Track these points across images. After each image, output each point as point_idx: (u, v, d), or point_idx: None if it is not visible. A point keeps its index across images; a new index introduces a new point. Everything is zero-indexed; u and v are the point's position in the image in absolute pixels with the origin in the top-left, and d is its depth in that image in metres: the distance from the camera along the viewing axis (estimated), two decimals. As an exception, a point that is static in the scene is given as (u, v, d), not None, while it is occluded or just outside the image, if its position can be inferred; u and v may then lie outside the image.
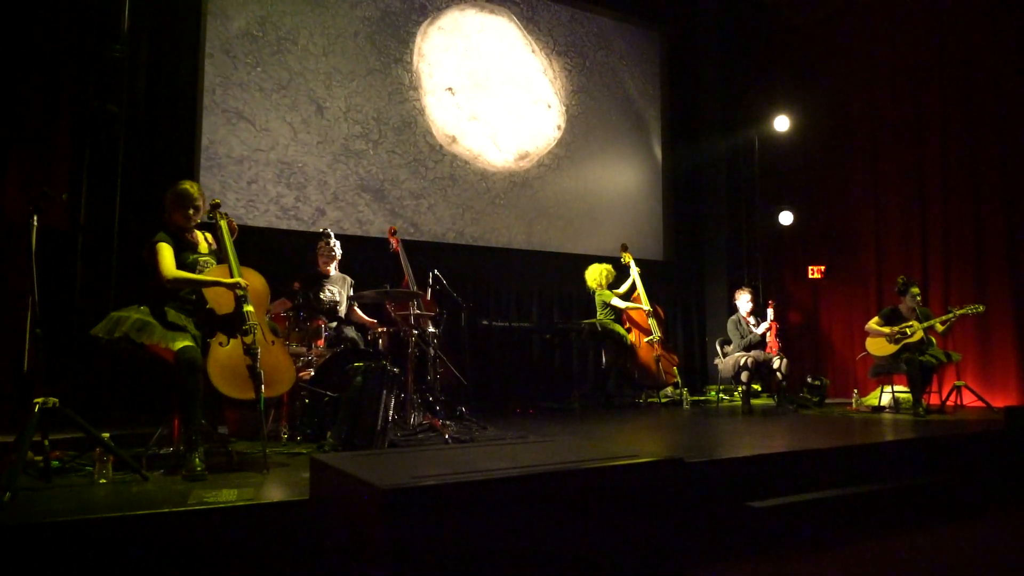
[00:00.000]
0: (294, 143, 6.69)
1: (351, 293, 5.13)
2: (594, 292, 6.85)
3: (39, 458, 2.92)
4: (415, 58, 7.52)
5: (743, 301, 6.78)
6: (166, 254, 3.34)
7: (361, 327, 5.12)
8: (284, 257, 5.78)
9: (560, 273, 7.73)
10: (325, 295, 4.98)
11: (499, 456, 2.61)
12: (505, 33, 8.15)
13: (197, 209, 3.51)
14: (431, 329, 5.05)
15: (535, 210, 8.05)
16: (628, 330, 6.75)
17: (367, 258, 5.99)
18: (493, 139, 7.89)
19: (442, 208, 7.48)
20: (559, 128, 8.35)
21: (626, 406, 6.91)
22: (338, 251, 5.11)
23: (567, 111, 8.36)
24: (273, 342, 3.50)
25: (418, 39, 7.54)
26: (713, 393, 7.56)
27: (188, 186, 3.52)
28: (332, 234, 5.14)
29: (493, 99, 7.96)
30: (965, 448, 4.54)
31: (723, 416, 6.14)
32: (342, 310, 5.05)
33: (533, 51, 8.29)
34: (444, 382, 5.10)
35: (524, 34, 8.26)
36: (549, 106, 8.30)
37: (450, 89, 7.72)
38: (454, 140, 7.65)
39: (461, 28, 7.87)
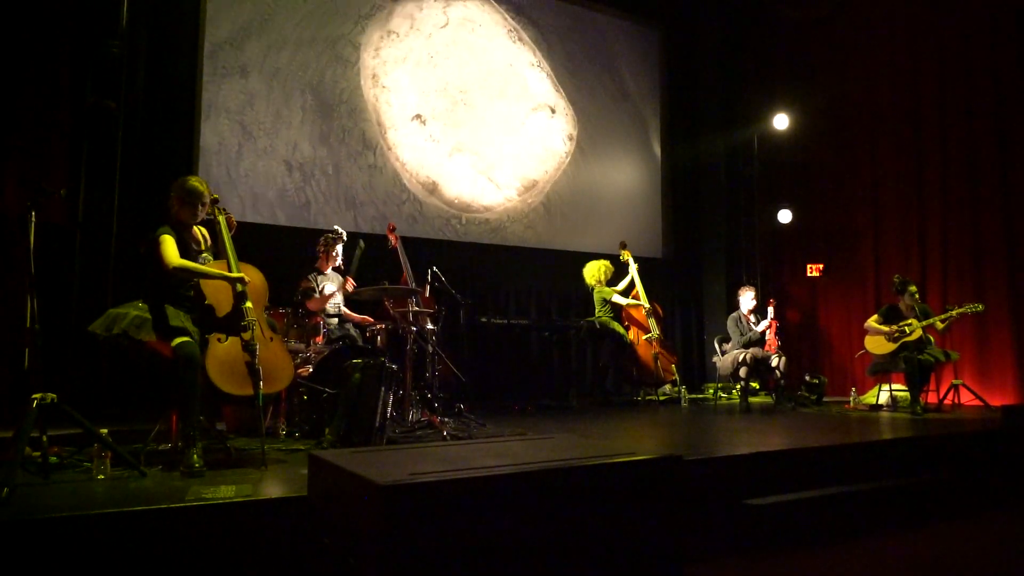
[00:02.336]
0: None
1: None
2: (593, 288, 6.85)
3: (37, 454, 2.92)
4: (364, 84, 6.41)
5: (747, 299, 6.78)
6: (169, 244, 3.33)
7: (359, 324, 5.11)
8: (283, 254, 5.77)
9: (559, 271, 7.72)
10: (326, 293, 4.98)
11: (497, 453, 2.61)
12: (480, 22, 7.20)
13: (204, 205, 3.50)
14: (430, 326, 5.05)
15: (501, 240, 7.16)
16: (627, 328, 6.75)
17: (366, 255, 5.97)
18: (488, 175, 6.86)
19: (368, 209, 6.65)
20: (571, 139, 7.50)
21: (624, 404, 6.92)
22: (340, 250, 5.11)
23: (574, 111, 7.93)
24: (271, 339, 3.50)
25: (364, 57, 6.46)
26: (711, 391, 7.56)
27: (196, 182, 3.50)
28: (344, 234, 5.12)
29: (479, 118, 6.97)
30: (962, 447, 4.54)
31: (721, 414, 6.14)
32: (340, 307, 5.05)
33: (520, 39, 7.45)
34: (442, 379, 5.10)
35: (505, 19, 7.40)
36: (553, 111, 7.46)
37: (418, 117, 6.55)
38: (435, 188, 6.69)
39: (420, 27, 6.79)
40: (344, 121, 6.76)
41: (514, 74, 7.42)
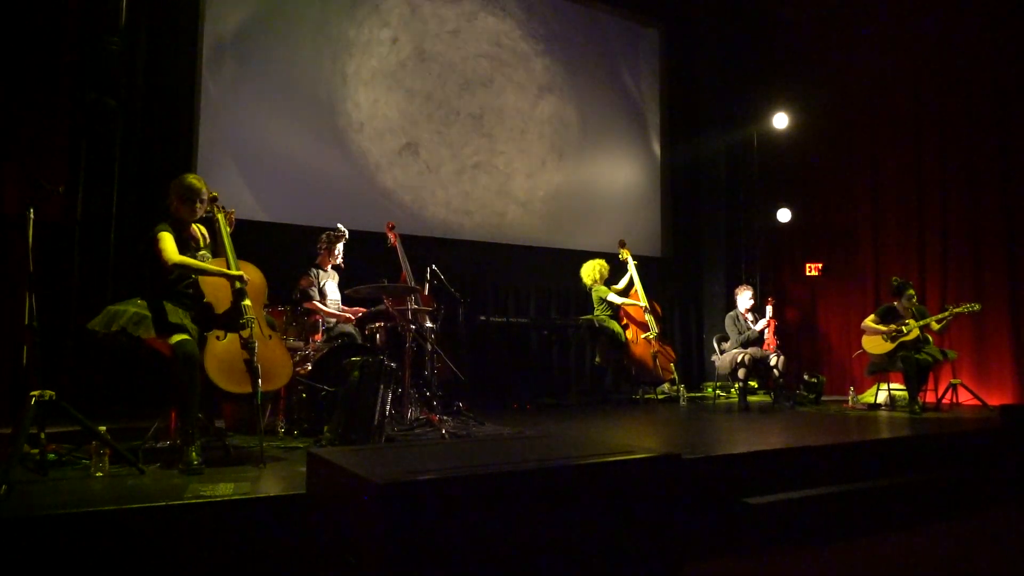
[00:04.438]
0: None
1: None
2: (590, 288, 6.85)
3: (35, 451, 2.91)
4: (337, 119, 6.34)
5: (744, 298, 6.79)
6: (168, 241, 3.33)
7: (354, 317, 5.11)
8: (282, 252, 5.76)
9: (558, 269, 7.72)
10: (329, 291, 4.98)
11: (496, 451, 2.61)
12: (463, 24, 7.13)
13: (203, 203, 3.50)
14: (428, 324, 5.05)
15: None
16: (625, 326, 6.75)
17: (365, 253, 5.97)
18: (504, 188, 6.69)
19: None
20: (584, 120, 7.49)
21: (623, 402, 6.92)
22: (341, 248, 5.12)
23: (572, 92, 7.83)
24: (270, 336, 3.49)
25: (348, 92, 6.40)
26: (710, 390, 7.57)
27: (195, 180, 3.50)
28: (346, 232, 5.13)
29: (479, 125, 6.89)
30: (961, 446, 4.55)
31: (720, 412, 6.15)
32: (339, 304, 5.06)
33: (504, 10, 7.40)
34: (441, 377, 5.10)
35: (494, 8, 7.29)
36: (562, 89, 7.30)
37: (408, 146, 6.41)
38: (445, 230, 6.51)
39: (381, 32, 6.55)
40: (339, 139, 6.74)
41: (509, 55, 7.20)
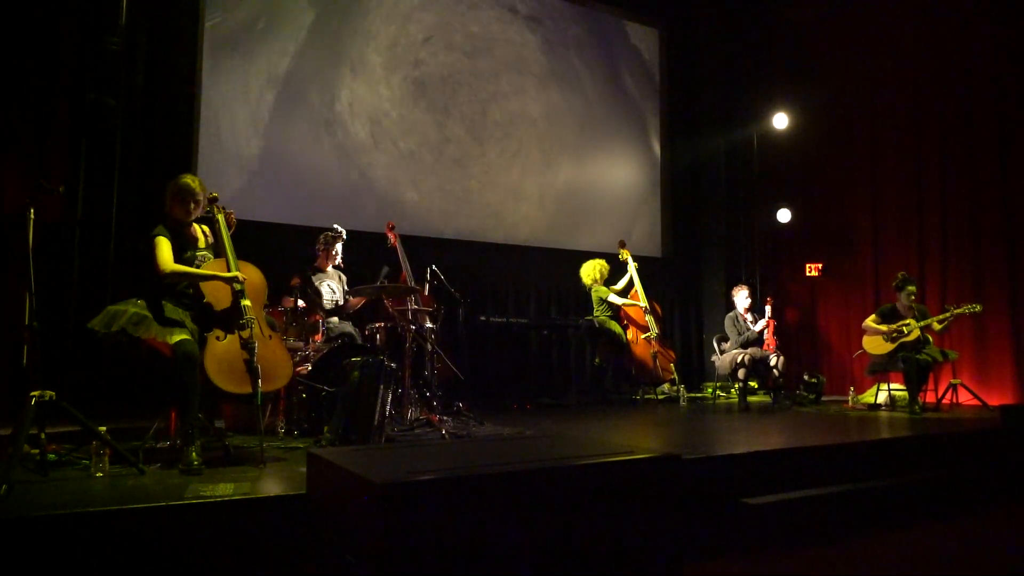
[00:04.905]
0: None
1: (346, 288, 5.13)
2: (590, 288, 6.85)
3: (36, 451, 2.91)
4: (340, 131, 6.47)
5: (741, 298, 6.79)
6: (164, 247, 3.34)
7: (357, 316, 5.10)
8: (283, 252, 5.76)
9: (558, 269, 7.71)
10: (325, 292, 4.98)
11: (495, 451, 2.62)
12: (463, 25, 7.24)
13: (198, 203, 3.50)
14: (429, 325, 5.05)
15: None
16: (625, 327, 6.75)
17: (364, 253, 5.97)
18: (504, 188, 6.91)
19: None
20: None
21: (623, 402, 6.91)
22: (340, 248, 5.11)
23: (555, 76, 7.93)
24: (270, 336, 3.50)
25: (348, 92, 6.61)
26: (710, 390, 7.57)
27: (189, 180, 3.51)
28: (343, 232, 5.12)
29: (480, 127, 7.05)
30: (961, 446, 4.55)
31: (720, 413, 6.15)
32: (339, 303, 5.05)
33: (509, 15, 7.53)
34: (441, 377, 5.10)
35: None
36: (562, 78, 7.45)
37: (409, 147, 6.61)
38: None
39: (377, 44, 6.73)
40: (339, 139, 6.75)
41: (509, 54, 7.28)
